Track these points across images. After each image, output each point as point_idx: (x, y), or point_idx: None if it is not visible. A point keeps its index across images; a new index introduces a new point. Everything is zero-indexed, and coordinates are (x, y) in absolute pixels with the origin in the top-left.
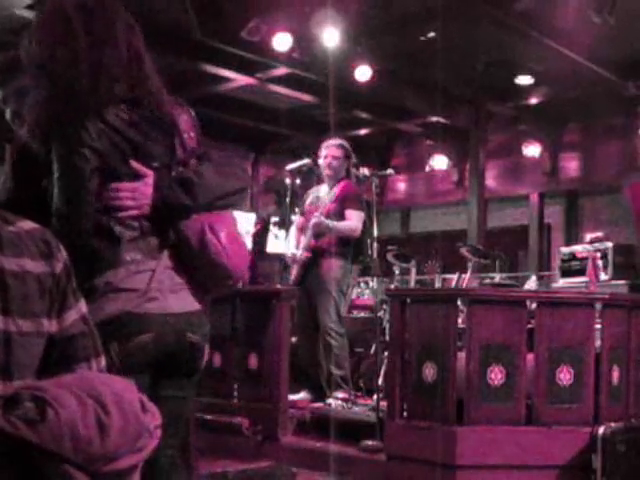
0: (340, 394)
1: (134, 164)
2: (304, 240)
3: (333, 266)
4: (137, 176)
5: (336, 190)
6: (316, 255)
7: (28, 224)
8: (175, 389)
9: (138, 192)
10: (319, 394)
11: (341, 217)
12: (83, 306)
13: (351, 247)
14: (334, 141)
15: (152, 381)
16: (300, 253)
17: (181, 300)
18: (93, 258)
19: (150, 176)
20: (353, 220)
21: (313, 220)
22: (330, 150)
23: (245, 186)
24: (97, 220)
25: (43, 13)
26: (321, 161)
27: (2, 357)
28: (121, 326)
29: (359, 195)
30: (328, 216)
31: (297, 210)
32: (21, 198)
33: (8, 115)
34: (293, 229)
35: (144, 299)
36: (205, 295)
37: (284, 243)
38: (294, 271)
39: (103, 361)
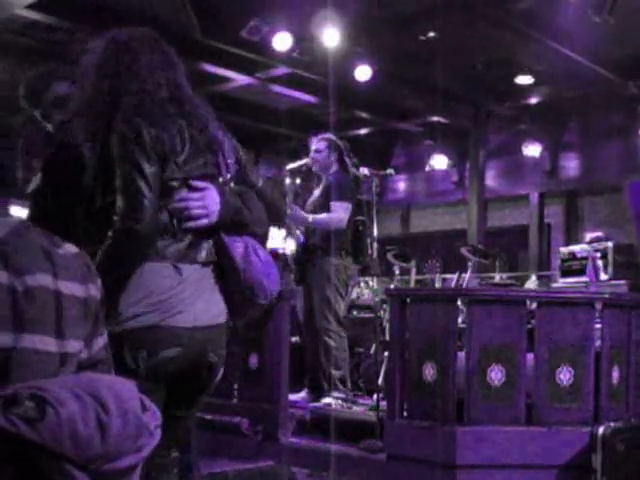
0: (338, 395)
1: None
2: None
3: (325, 265)
4: (196, 188)
5: (323, 183)
6: (310, 253)
7: (73, 248)
8: (185, 409)
9: (207, 200)
10: (319, 394)
11: (327, 209)
12: (106, 334)
13: (346, 244)
14: (318, 136)
15: (167, 396)
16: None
17: (209, 311)
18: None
19: (211, 188)
20: (337, 211)
21: (287, 212)
22: (312, 145)
23: (268, 230)
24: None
25: (100, 49)
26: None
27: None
28: (152, 336)
29: (343, 185)
30: (314, 210)
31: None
32: (54, 216)
33: (51, 128)
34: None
35: (176, 310)
36: (239, 318)
37: (283, 242)
38: (294, 270)
39: None
